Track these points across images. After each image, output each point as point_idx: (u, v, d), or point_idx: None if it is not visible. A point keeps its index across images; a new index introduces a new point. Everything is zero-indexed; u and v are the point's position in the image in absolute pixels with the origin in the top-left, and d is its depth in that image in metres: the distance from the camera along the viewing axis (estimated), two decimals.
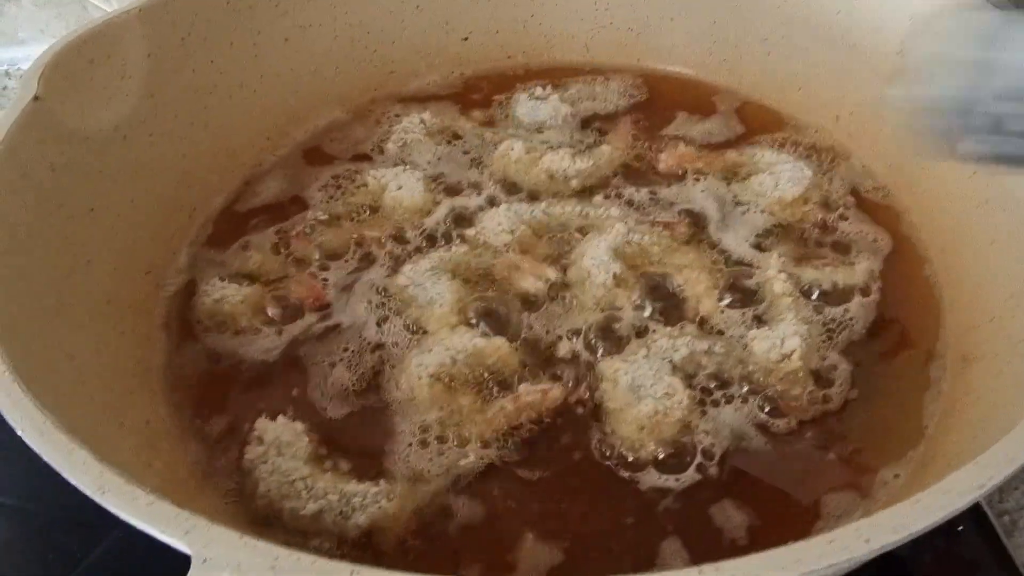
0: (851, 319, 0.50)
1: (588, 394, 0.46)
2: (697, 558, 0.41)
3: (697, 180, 0.59)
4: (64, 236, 0.46)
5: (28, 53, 0.85)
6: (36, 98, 0.45)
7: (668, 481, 0.43)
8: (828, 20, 0.60)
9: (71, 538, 0.49)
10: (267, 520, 0.42)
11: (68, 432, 0.31)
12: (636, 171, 0.60)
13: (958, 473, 0.28)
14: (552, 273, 0.51)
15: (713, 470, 0.43)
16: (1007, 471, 0.28)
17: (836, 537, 0.26)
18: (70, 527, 0.49)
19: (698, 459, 0.44)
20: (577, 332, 0.49)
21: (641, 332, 0.49)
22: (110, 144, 0.50)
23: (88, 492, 0.28)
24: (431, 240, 0.55)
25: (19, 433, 0.30)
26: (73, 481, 0.28)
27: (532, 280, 0.51)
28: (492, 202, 0.57)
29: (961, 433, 0.42)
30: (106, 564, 0.47)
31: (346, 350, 0.49)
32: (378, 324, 0.50)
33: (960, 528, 0.51)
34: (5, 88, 0.85)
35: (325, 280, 0.53)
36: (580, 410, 0.46)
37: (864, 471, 0.43)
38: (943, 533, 0.52)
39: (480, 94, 0.67)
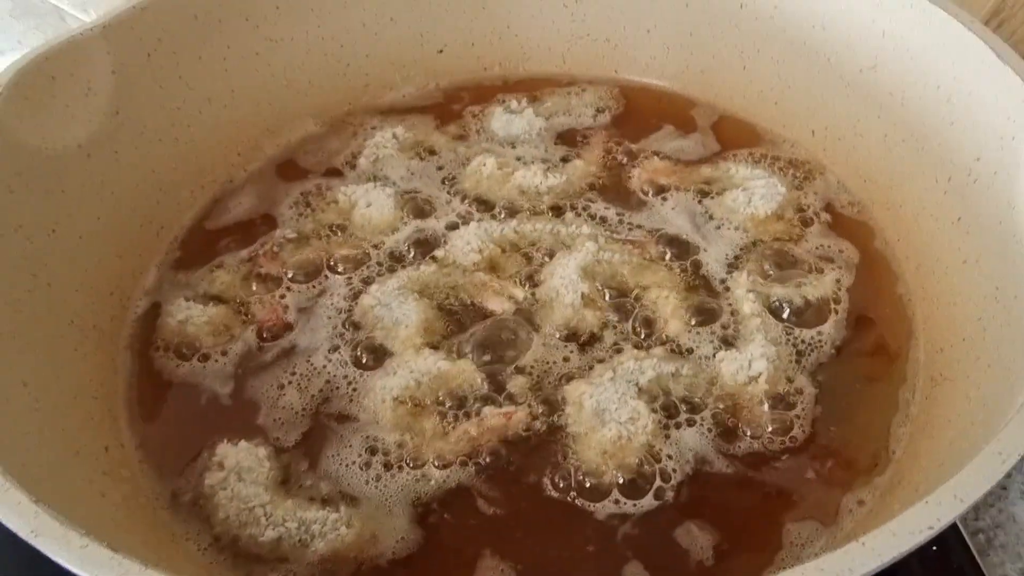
0: (820, 340, 0.49)
1: (552, 418, 0.46)
2: None
3: (670, 196, 0.58)
4: (23, 257, 0.45)
5: (4, 64, 0.85)
6: None
7: (629, 506, 0.42)
8: (804, 35, 0.59)
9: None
10: (227, 547, 0.41)
11: (10, 469, 0.30)
12: (609, 187, 0.59)
13: (906, 514, 0.27)
14: (520, 293, 0.51)
15: (674, 496, 0.43)
16: (956, 511, 0.27)
17: None
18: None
19: (659, 484, 0.43)
20: (544, 353, 0.49)
21: (608, 354, 0.49)
22: (73, 162, 0.50)
23: (21, 535, 0.28)
24: (399, 259, 0.54)
25: None
26: (5, 523, 0.28)
27: (500, 300, 0.50)
28: (463, 219, 0.57)
29: (929, 458, 0.42)
30: None
31: (309, 372, 0.49)
32: (342, 346, 0.50)
33: (935, 548, 0.51)
34: None
35: (286, 303, 0.52)
36: (544, 434, 0.45)
37: (829, 498, 0.43)
38: (919, 550, 0.52)
39: (455, 106, 0.66)
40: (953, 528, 0.50)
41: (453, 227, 0.56)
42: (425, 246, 0.55)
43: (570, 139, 0.63)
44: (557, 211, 0.57)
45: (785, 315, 0.51)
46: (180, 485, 0.44)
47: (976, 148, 0.49)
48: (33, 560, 0.30)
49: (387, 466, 0.44)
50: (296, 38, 0.62)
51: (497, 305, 0.50)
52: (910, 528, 0.27)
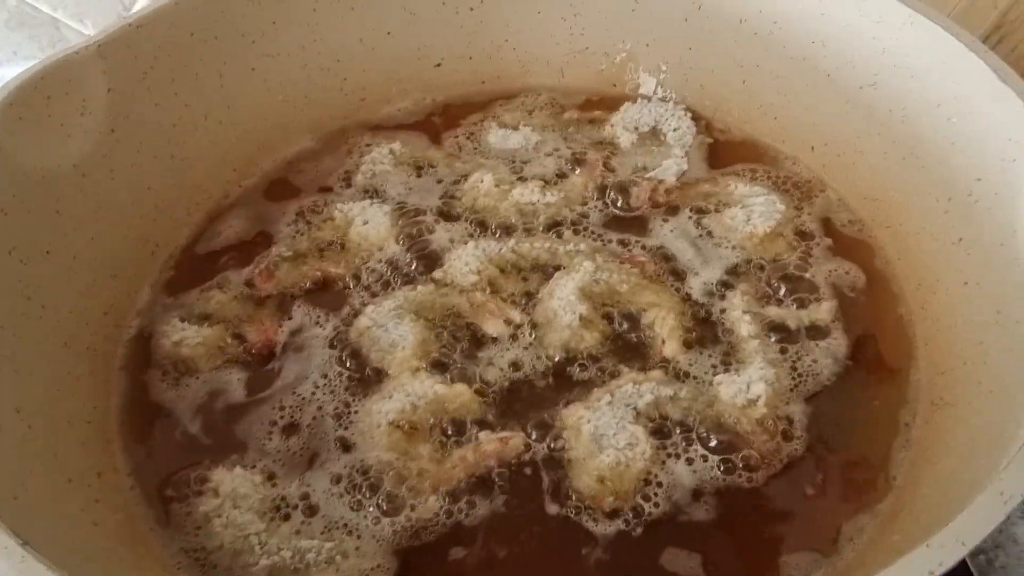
0: (820, 362, 0.49)
1: (549, 443, 0.46)
2: None
3: (668, 213, 0.58)
4: (17, 280, 0.45)
5: (1, 75, 0.84)
6: None
7: (627, 533, 0.42)
8: (803, 51, 0.58)
9: None
10: (222, 574, 0.41)
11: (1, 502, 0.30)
12: (607, 203, 0.59)
13: (908, 558, 0.27)
14: (517, 316, 0.51)
15: (671, 523, 0.42)
16: (958, 555, 0.27)
17: None
18: None
19: (656, 510, 0.43)
20: (541, 376, 0.49)
21: (606, 377, 0.48)
22: (68, 182, 0.49)
23: None
24: (396, 278, 0.54)
25: None
26: None
27: (496, 323, 0.50)
28: (461, 238, 0.56)
29: (930, 486, 0.42)
30: None
31: (303, 395, 0.48)
32: (337, 368, 0.49)
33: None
34: None
35: (280, 323, 0.52)
36: (541, 459, 0.45)
37: (828, 525, 0.42)
38: None
39: (452, 121, 0.66)
40: None
41: (450, 246, 0.55)
42: (422, 265, 0.54)
43: (567, 155, 0.63)
44: (555, 227, 0.57)
45: (783, 337, 0.50)
46: (174, 511, 0.44)
47: (977, 169, 0.48)
48: None
49: (383, 492, 0.44)
50: (292, 53, 0.61)
51: (493, 328, 0.50)
52: (911, 573, 0.27)
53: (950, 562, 0.27)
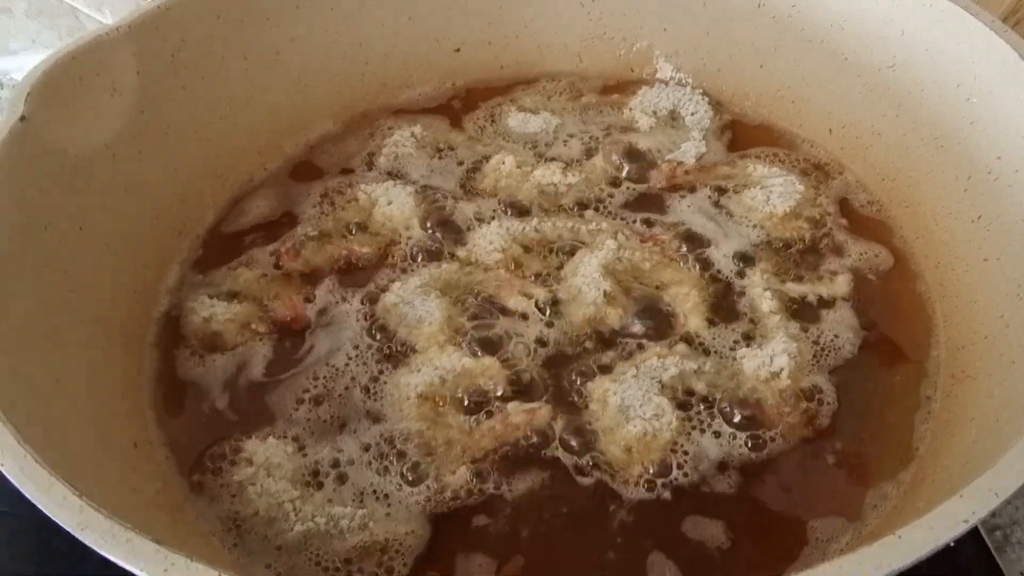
0: (841, 336, 0.49)
1: (576, 414, 0.46)
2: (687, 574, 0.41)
3: (688, 194, 0.58)
4: (53, 257, 0.46)
5: (20, 64, 0.85)
6: (22, 118, 0.45)
7: (654, 501, 0.43)
8: (821, 33, 0.59)
9: (65, 544, 0.49)
10: (256, 542, 0.42)
11: (50, 464, 0.30)
12: (627, 185, 0.59)
13: (941, 507, 0.28)
14: (541, 293, 0.51)
15: (698, 491, 0.43)
16: (991, 505, 0.28)
17: (816, 575, 0.26)
18: (65, 534, 0.49)
19: (683, 479, 0.43)
20: (567, 351, 0.49)
21: (631, 351, 0.49)
22: (99, 162, 0.50)
23: (68, 528, 0.28)
24: (421, 256, 0.55)
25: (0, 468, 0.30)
26: (53, 517, 0.28)
27: (520, 299, 0.51)
28: (483, 217, 0.57)
29: (952, 456, 0.42)
30: (101, 572, 0.47)
31: (332, 369, 0.49)
32: (365, 343, 0.50)
33: (951, 544, 0.51)
34: None
35: (310, 299, 0.53)
36: (568, 430, 0.46)
37: (852, 494, 0.43)
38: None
39: (472, 105, 0.67)
40: None
41: (474, 225, 0.56)
42: (446, 244, 0.55)
43: (587, 138, 0.63)
44: (577, 209, 0.57)
45: (803, 312, 0.51)
46: (207, 481, 0.44)
47: (997, 147, 0.49)
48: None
49: (412, 463, 0.45)
50: (315, 38, 0.62)
51: (517, 304, 0.51)
52: (945, 522, 0.27)
53: (983, 511, 0.27)
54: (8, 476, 0.30)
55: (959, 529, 0.27)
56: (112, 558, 0.27)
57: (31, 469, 0.29)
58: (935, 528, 0.27)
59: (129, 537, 0.28)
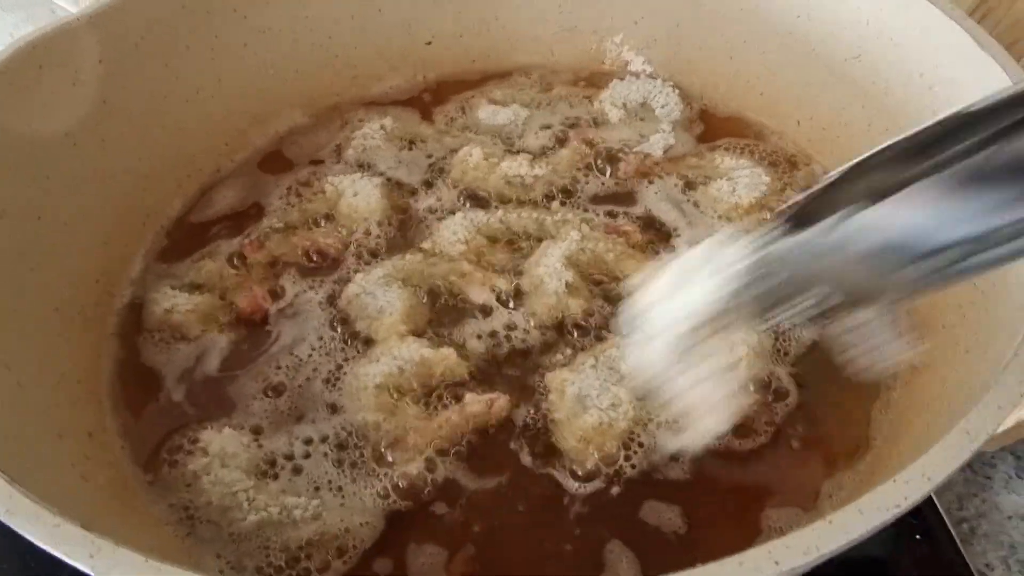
0: (800, 329, 0.49)
1: (533, 405, 0.46)
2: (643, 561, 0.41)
3: (655, 185, 0.58)
4: (9, 243, 0.46)
5: None
6: None
7: (607, 490, 0.43)
8: (788, 25, 0.59)
9: None
10: (209, 531, 0.42)
11: None
12: (595, 176, 0.59)
13: (874, 492, 0.28)
14: (503, 284, 0.51)
15: (654, 481, 0.43)
16: (923, 490, 0.28)
17: (746, 559, 0.26)
18: None
19: (639, 469, 0.43)
20: (527, 342, 0.49)
21: (591, 342, 0.49)
22: (60, 150, 0.50)
23: None
24: (385, 248, 0.55)
25: None
26: None
27: (483, 291, 0.51)
28: (450, 209, 0.57)
29: (906, 443, 0.42)
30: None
31: (293, 361, 0.49)
32: (326, 334, 0.50)
33: (919, 536, 0.51)
34: None
35: (270, 292, 0.52)
36: (525, 420, 0.46)
37: (809, 484, 0.43)
38: (904, 539, 0.52)
39: (443, 98, 0.67)
40: (937, 517, 0.50)
41: (439, 216, 0.56)
42: (410, 235, 0.55)
43: (556, 130, 0.63)
44: (544, 200, 0.57)
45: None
46: (162, 470, 0.44)
47: None
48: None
49: (368, 453, 0.44)
50: (284, 29, 0.62)
51: (480, 296, 0.51)
52: (877, 506, 0.27)
53: (916, 496, 0.27)
54: None
55: (891, 514, 0.27)
56: (38, 543, 0.27)
57: None
58: (866, 512, 0.27)
59: (57, 522, 0.27)
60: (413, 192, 0.58)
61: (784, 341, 0.49)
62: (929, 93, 0.51)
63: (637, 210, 0.57)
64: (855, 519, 0.27)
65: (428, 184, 0.59)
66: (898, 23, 0.53)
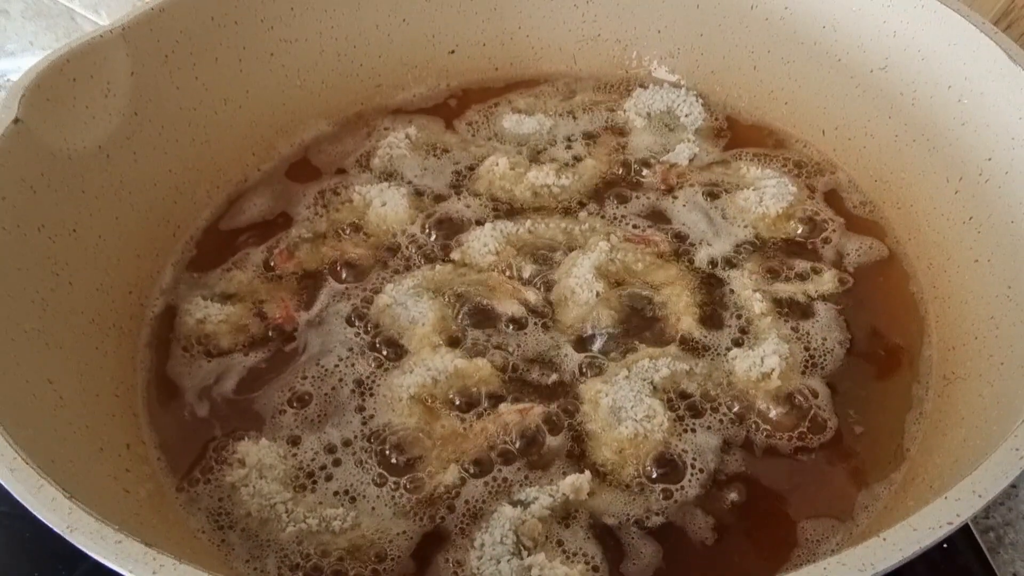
0: (832, 337, 0.50)
1: (568, 415, 0.46)
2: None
3: (682, 195, 0.59)
4: (46, 257, 0.46)
5: (17, 65, 0.85)
6: (16, 120, 0.45)
7: (644, 502, 0.43)
8: (814, 35, 0.59)
9: (63, 545, 0.48)
10: (248, 543, 0.42)
11: (41, 465, 0.31)
12: (621, 185, 0.60)
13: (926, 509, 0.28)
14: (533, 296, 0.51)
15: (689, 492, 0.43)
16: (975, 507, 0.28)
17: None
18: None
19: (674, 481, 0.43)
20: (559, 351, 0.49)
21: (622, 352, 0.49)
22: (93, 163, 0.50)
23: (57, 530, 0.28)
24: (414, 258, 0.55)
25: None
26: (41, 518, 0.28)
27: (512, 303, 0.51)
28: (477, 219, 0.57)
29: (943, 455, 0.42)
30: (98, 572, 0.47)
31: (325, 371, 0.49)
32: (358, 344, 0.50)
33: (945, 545, 0.51)
34: None
35: (301, 302, 0.53)
36: (560, 431, 0.46)
37: (844, 495, 0.43)
38: (930, 547, 0.52)
39: (467, 106, 0.67)
40: (963, 526, 0.50)
41: (468, 227, 0.56)
42: (439, 246, 0.55)
43: (581, 139, 0.63)
44: (570, 210, 0.57)
45: (795, 313, 0.51)
46: (199, 482, 0.45)
47: (987, 148, 0.49)
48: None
49: (404, 463, 0.45)
50: (310, 39, 0.62)
51: (509, 308, 0.51)
52: (930, 523, 0.27)
53: (967, 513, 0.27)
54: None
55: (943, 531, 0.27)
56: (101, 560, 0.27)
57: (21, 471, 0.30)
58: (919, 530, 0.27)
59: (119, 539, 0.28)
60: (440, 200, 0.59)
61: (816, 351, 0.49)
62: (958, 105, 0.51)
63: (664, 220, 0.57)
64: (908, 536, 0.27)
65: (455, 193, 0.59)
66: (926, 35, 0.53)
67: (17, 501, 0.50)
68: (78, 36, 0.51)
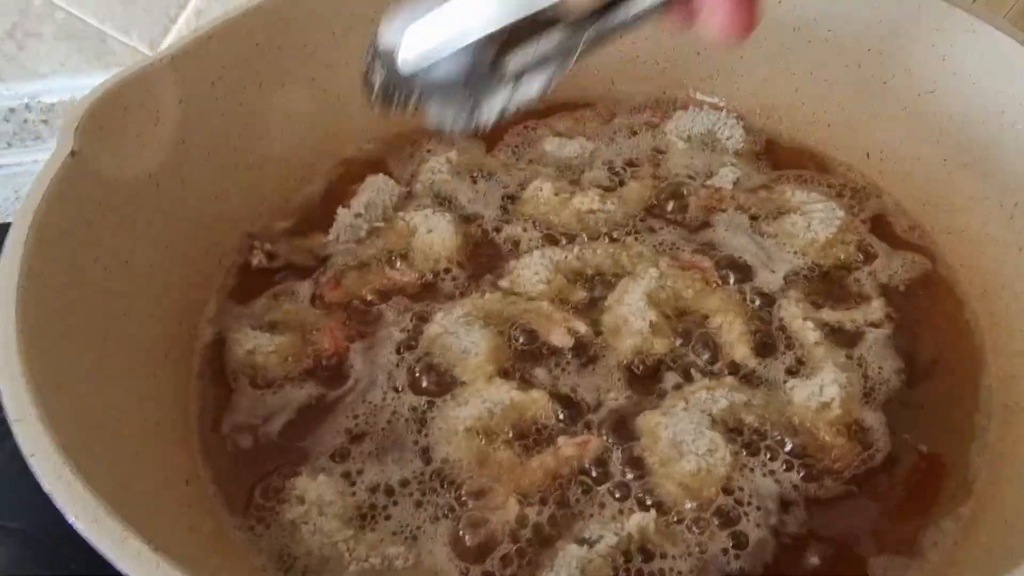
0: (887, 366, 0.49)
1: (626, 447, 0.46)
2: None
3: (727, 219, 0.58)
4: (101, 290, 0.46)
5: (48, 87, 0.85)
6: (73, 153, 0.45)
7: (710, 538, 0.42)
8: (858, 58, 0.59)
9: (79, 563, 0.48)
10: None
11: (119, 516, 0.30)
12: (666, 210, 0.59)
13: None
14: (583, 327, 0.51)
15: (752, 530, 0.43)
16: None
17: None
18: (78, 552, 0.49)
19: (737, 517, 0.43)
20: (614, 382, 0.49)
21: (679, 383, 0.49)
22: (144, 192, 0.50)
23: None
24: (463, 286, 0.54)
25: (71, 521, 0.29)
26: (126, 572, 0.28)
27: (563, 332, 0.50)
28: (524, 245, 0.57)
29: (1012, 488, 0.42)
30: None
31: (377, 403, 0.49)
32: (408, 375, 0.50)
33: None
34: (26, 122, 0.85)
35: (350, 331, 0.52)
36: (620, 465, 0.45)
37: (911, 530, 0.43)
38: None
39: (506, 129, 0.67)
40: None
41: (515, 254, 0.56)
42: (488, 273, 0.55)
43: (623, 163, 0.63)
44: (615, 235, 0.57)
45: (849, 341, 0.51)
46: (258, 518, 0.44)
47: None
48: None
49: (463, 498, 0.44)
50: (351, 63, 0.61)
51: (559, 339, 0.50)
52: None
53: None
54: (80, 530, 0.29)
55: None
56: None
57: (104, 522, 0.29)
58: None
59: None
60: (485, 225, 0.58)
61: (872, 380, 0.49)
62: (1012, 130, 0.51)
63: (710, 244, 0.57)
64: None
65: (502, 218, 0.59)
66: (977, 60, 0.52)
67: (31, 517, 0.50)
68: (108, 59, 0.50)
